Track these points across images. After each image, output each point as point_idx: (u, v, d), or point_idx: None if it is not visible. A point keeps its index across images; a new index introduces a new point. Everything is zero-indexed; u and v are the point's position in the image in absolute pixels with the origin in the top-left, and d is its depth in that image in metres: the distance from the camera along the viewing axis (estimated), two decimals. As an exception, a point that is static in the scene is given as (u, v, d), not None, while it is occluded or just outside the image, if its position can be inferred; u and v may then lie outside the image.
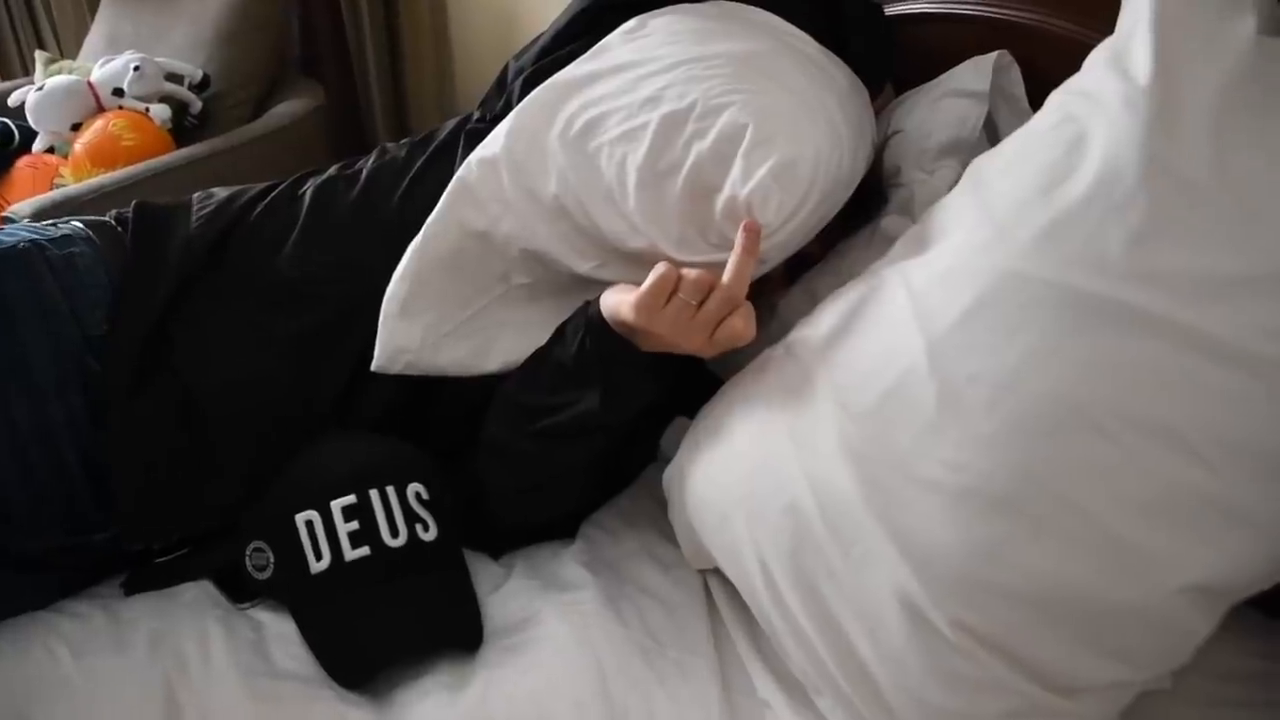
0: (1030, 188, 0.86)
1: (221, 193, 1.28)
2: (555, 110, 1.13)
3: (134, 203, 1.24)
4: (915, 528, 0.83)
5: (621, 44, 1.18)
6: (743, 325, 0.99)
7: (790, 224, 1.06)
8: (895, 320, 0.90)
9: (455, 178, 1.14)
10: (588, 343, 1.05)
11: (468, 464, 1.17)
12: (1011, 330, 0.81)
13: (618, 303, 1.03)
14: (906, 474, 0.84)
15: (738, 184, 1.02)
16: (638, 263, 1.07)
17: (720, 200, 1.03)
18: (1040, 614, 0.79)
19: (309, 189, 1.26)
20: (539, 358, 1.11)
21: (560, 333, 1.10)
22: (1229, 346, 0.76)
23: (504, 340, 1.14)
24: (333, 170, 1.30)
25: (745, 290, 1.00)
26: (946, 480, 0.82)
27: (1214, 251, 0.77)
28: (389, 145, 1.33)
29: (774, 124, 1.04)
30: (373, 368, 1.12)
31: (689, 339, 1.00)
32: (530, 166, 1.11)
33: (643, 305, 0.99)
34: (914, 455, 0.84)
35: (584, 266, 1.11)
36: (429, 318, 1.12)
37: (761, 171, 1.01)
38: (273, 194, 1.27)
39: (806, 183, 1.04)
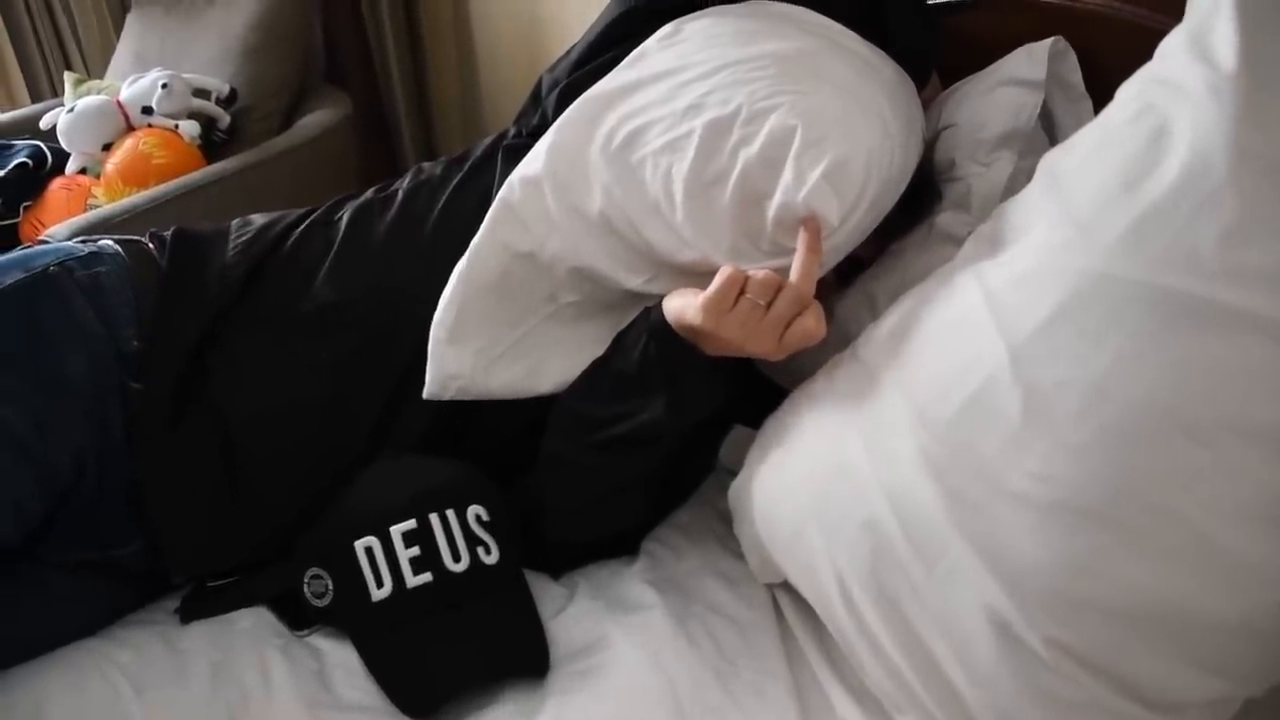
0: (1112, 184, 0.82)
1: (259, 219, 1.27)
2: (595, 124, 1.11)
3: (173, 229, 1.23)
4: (1003, 543, 0.79)
5: (659, 51, 1.16)
6: (814, 324, 0.97)
7: (847, 224, 1.03)
8: (973, 325, 0.87)
9: (498, 199, 1.12)
10: (652, 349, 1.03)
11: (521, 484, 1.15)
12: (1100, 334, 0.78)
13: (683, 306, 1.00)
14: (992, 487, 0.81)
15: (791, 189, 0.99)
16: (690, 275, 1.05)
17: (773, 206, 1.00)
18: (1139, 630, 0.76)
19: (345, 213, 1.25)
20: (598, 368, 1.09)
21: (620, 341, 1.08)
22: (1330, 344, 0.72)
23: (556, 359, 1.12)
24: (369, 193, 1.29)
25: (813, 288, 0.97)
26: (1035, 493, 0.78)
27: (1312, 244, 0.74)
28: (424, 165, 1.31)
29: (823, 124, 1.02)
30: (425, 395, 1.10)
31: (759, 341, 0.97)
32: (574, 183, 1.09)
33: (710, 307, 0.97)
34: (999, 467, 0.80)
35: (634, 282, 1.08)
36: (479, 342, 1.10)
37: (815, 174, 0.98)
38: (309, 220, 1.26)
39: (860, 182, 1.01)
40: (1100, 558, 0.76)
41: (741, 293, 0.97)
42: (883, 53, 1.18)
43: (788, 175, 0.99)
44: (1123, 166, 0.83)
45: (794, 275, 0.97)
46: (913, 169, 1.13)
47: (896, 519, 0.85)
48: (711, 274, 0.99)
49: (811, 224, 0.98)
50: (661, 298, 1.05)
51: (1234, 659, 0.77)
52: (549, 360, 1.13)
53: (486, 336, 1.11)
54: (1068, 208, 0.85)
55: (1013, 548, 0.79)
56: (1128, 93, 0.90)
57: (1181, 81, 0.83)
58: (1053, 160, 0.93)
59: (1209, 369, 0.75)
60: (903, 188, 1.12)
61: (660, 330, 1.02)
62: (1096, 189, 0.84)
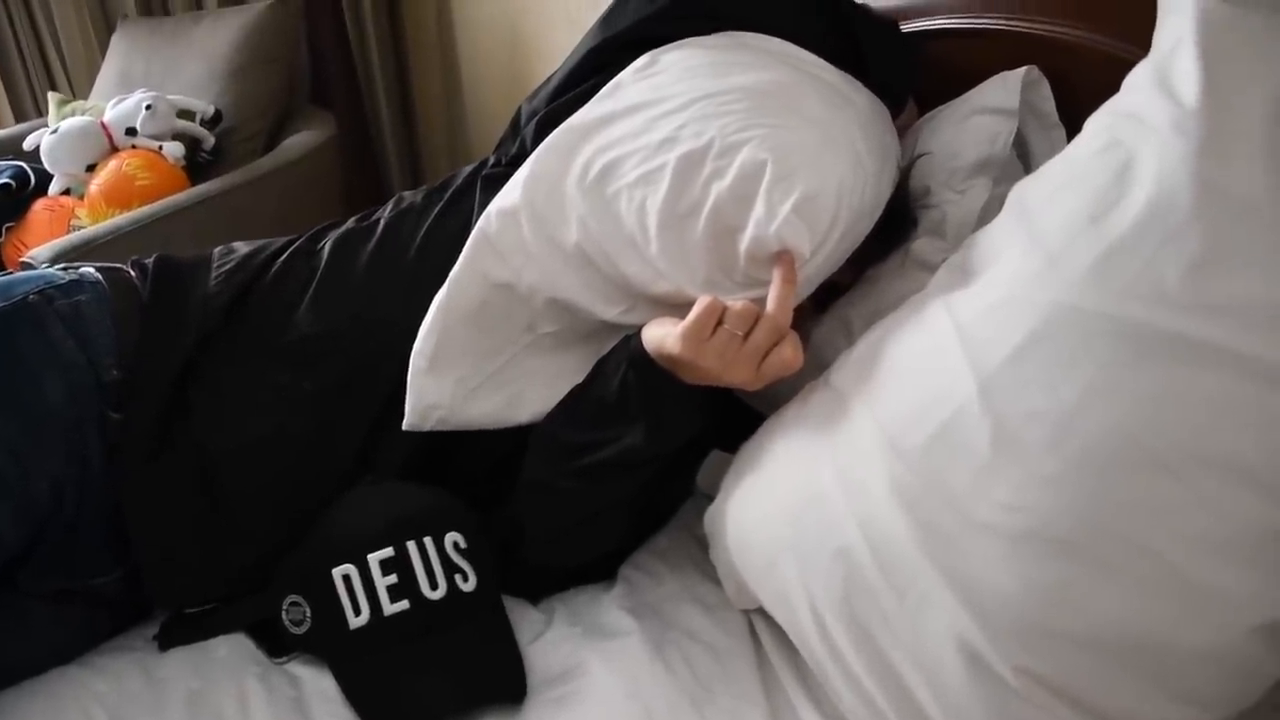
0: (1079, 216, 0.84)
1: (241, 248, 1.27)
2: (571, 155, 1.11)
3: (155, 257, 1.23)
4: (973, 572, 0.80)
5: (634, 82, 1.17)
6: (792, 353, 0.98)
7: (819, 255, 1.04)
8: (943, 355, 0.88)
9: (475, 230, 1.13)
10: (631, 376, 1.03)
11: (499, 510, 1.15)
12: (1069, 366, 0.79)
13: (662, 336, 1.01)
14: (962, 517, 0.81)
15: (763, 223, 1.00)
16: (666, 306, 1.06)
17: (745, 239, 1.01)
18: (1107, 659, 0.76)
19: (327, 243, 1.25)
20: (578, 395, 1.10)
21: (599, 369, 1.08)
22: (1295, 376, 0.73)
23: (535, 389, 1.13)
24: (351, 222, 1.29)
25: (790, 319, 0.98)
26: (1005, 523, 0.79)
27: (1275, 278, 0.75)
28: (405, 194, 1.32)
29: (794, 158, 1.03)
30: (405, 427, 1.11)
31: (737, 371, 0.98)
32: (550, 215, 1.09)
33: (689, 336, 0.97)
34: (970, 497, 0.81)
35: (611, 313, 1.09)
36: (458, 372, 1.11)
37: (785, 207, 0.99)
38: (291, 249, 1.26)
39: (831, 214, 1.03)
40: (1070, 588, 0.77)
41: (719, 323, 0.97)
42: (857, 82, 1.19)
43: (759, 209, 1.00)
44: (1090, 200, 0.84)
45: (770, 306, 0.98)
46: (887, 197, 1.14)
47: (868, 548, 0.86)
48: (687, 305, 0.99)
49: (785, 256, 0.99)
50: (639, 327, 1.06)
51: (1203, 687, 0.77)
52: (528, 390, 1.13)
53: (466, 366, 1.11)
54: (1037, 239, 0.87)
55: (983, 578, 0.79)
56: (1095, 125, 0.91)
57: (1146, 116, 0.85)
58: (1022, 191, 0.94)
59: (1177, 401, 0.76)
60: (877, 216, 1.13)
61: (639, 359, 1.03)
62: (1064, 221, 0.85)
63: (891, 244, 1.21)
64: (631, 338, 1.05)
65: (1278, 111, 0.78)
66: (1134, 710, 0.78)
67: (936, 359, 0.89)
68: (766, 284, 1.00)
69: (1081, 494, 0.77)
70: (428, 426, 1.11)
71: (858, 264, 1.20)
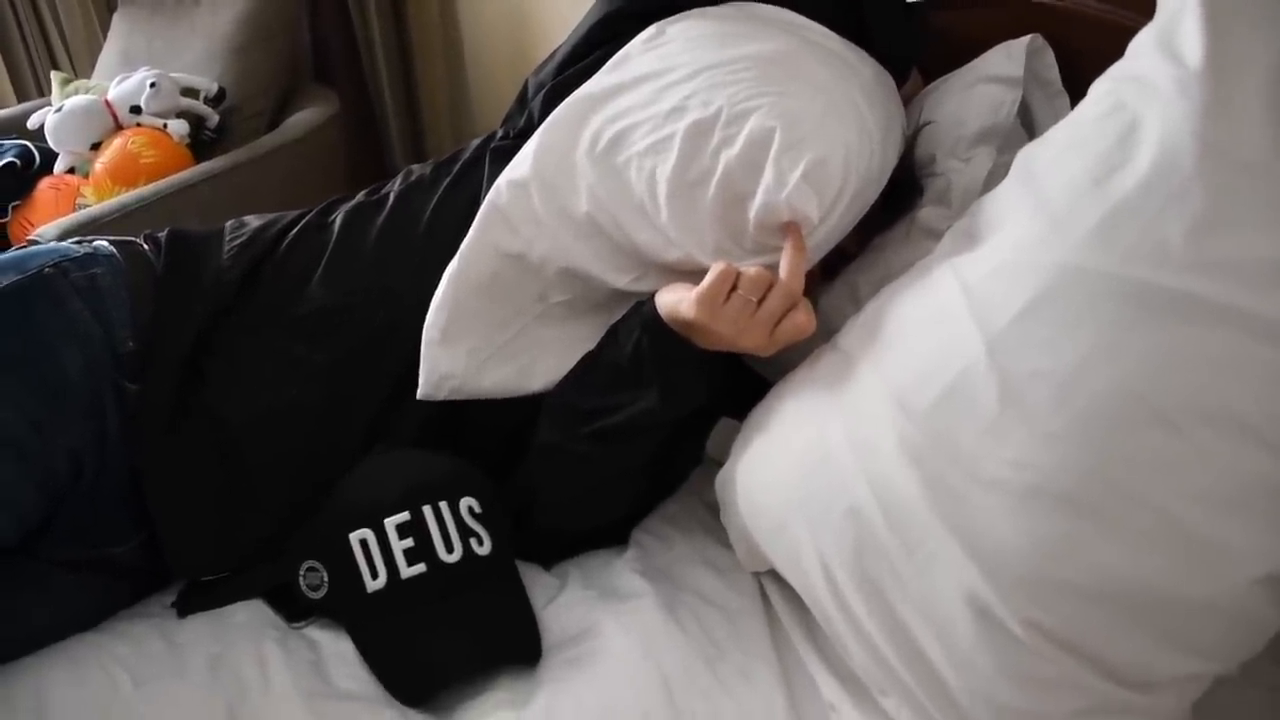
0: (1084, 179, 0.85)
1: (253, 221, 1.29)
2: (580, 126, 1.13)
3: (168, 230, 1.24)
4: (981, 528, 0.82)
5: (642, 53, 1.18)
6: (805, 319, 1.00)
7: (828, 221, 1.06)
8: (950, 317, 0.89)
9: (486, 201, 1.14)
10: (645, 342, 1.05)
11: (512, 477, 1.17)
12: (1073, 325, 0.80)
13: (676, 301, 1.03)
14: (970, 474, 0.83)
15: (772, 190, 1.01)
16: (676, 274, 1.07)
17: (754, 207, 1.02)
18: (1112, 611, 0.78)
19: (338, 216, 1.27)
20: (591, 361, 1.12)
21: (613, 335, 1.10)
22: (1295, 333, 0.74)
23: (547, 358, 1.15)
24: (361, 196, 1.30)
25: (802, 285, 1.00)
26: (1012, 479, 0.81)
27: (1276, 237, 0.76)
28: (415, 167, 1.33)
29: (802, 126, 1.04)
30: (419, 396, 1.12)
31: (751, 336, 1.00)
32: (560, 185, 1.11)
33: (704, 302, 0.99)
34: (977, 455, 0.83)
35: (622, 281, 1.11)
36: (471, 342, 1.12)
37: (795, 175, 1.01)
38: (302, 222, 1.27)
39: (839, 181, 1.04)
40: (1075, 541, 0.79)
41: (733, 289, 0.99)
42: (862, 51, 1.20)
43: (768, 176, 1.02)
44: (1094, 162, 0.85)
45: (783, 272, 0.99)
46: (893, 165, 1.16)
47: (878, 506, 0.88)
48: (698, 272, 1.01)
49: (794, 225, 1.00)
50: (651, 294, 1.08)
51: (1205, 637, 0.79)
52: (540, 359, 1.15)
53: (478, 337, 1.13)
54: (1042, 203, 0.88)
55: (990, 533, 0.81)
56: (1099, 90, 0.93)
57: (1150, 79, 0.86)
58: (1027, 155, 0.95)
59: (1179, 358, 0.77)
60: (883, 183, 1.14)
61: (653, 323, 1.05)
62: (1069, 184, 0.86)
63: (897, 212, 1.23)
64: (644, 303, 1.07)
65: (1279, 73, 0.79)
66: (1139, 661, 0.79)
67: (944, 320, 0.90)
68: (776, 250, 1.02)
69: (1086, 450, 0.79)
70: (441, 396, 1.12)
71: (864, 232, 1.21)
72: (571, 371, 1.13)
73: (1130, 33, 0.94)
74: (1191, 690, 0.83)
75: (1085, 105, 0.93)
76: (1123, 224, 0.81)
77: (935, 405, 0.86)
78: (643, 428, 1.09)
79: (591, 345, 1.12)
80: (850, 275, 1.23)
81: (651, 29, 1.20)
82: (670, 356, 1.05)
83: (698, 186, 1.05)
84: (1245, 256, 0.76)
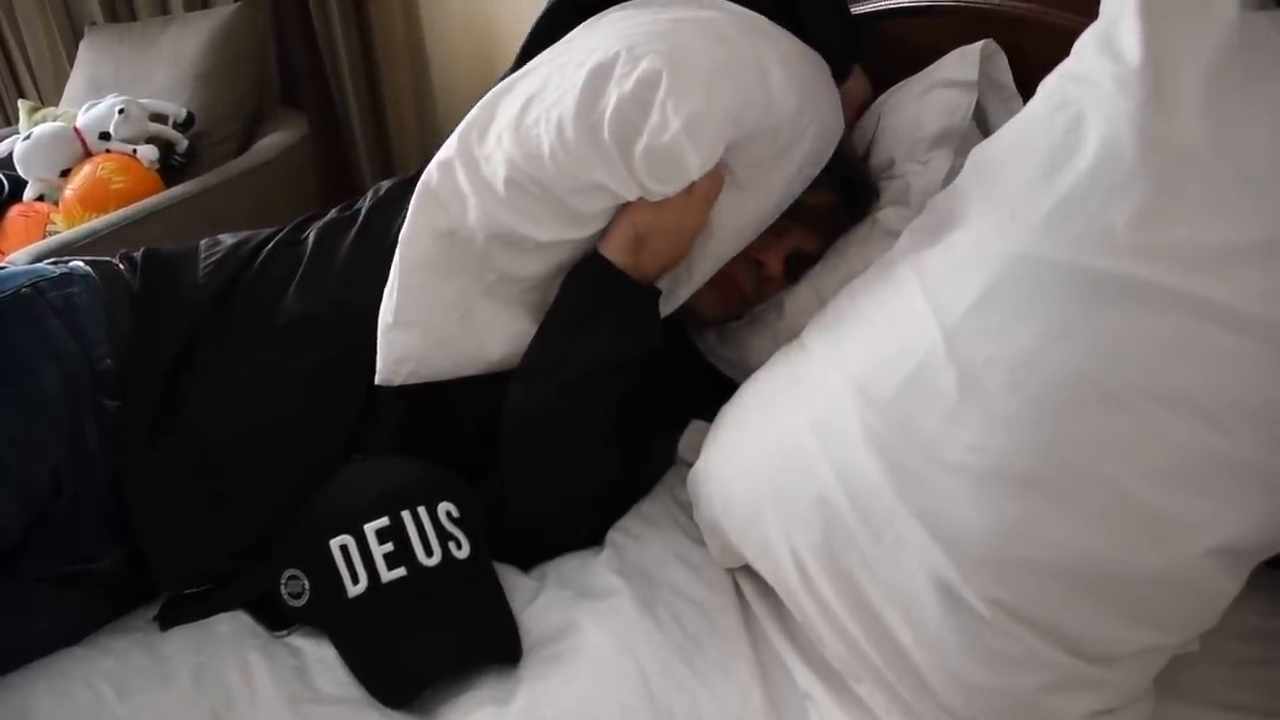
0: (1033, 172, 0.89)
1: (228, 239, 1.31)
2: (501, 101, 1.16)
3: (143, 250, 1.26)
4: (944, 511, 0.85)
5: (573, 38, 1.21)
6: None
7: (748, 188, 1.14)
8: (910, 309, 0.92)
9: (419, 185, 1.17)
10: (596, 282, 1.13)
11: (487, 476, 1.19)
12: (1024, 312, 0.84)
13: (616, 227, 1.13)
14: (932, 459, 0.86)
15: (656, 132, 1.03)
16: (594, 220, 1.13)
17: (640, 146, 1.04)
18: (1071, 586, 0.81)
19: (311, 232, 1.30)
20: (548, 318, 1.17)
21: (565, 286, 1.16)
22: (1235, 313, 0.78)
23: (499, 330, 1.18)
24: (333, 212, 1.34)
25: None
26: (972, 463, 0.84)
27: (1216, 221, 0.79)
28: (384, 184, 1.37)
29: (693, 75, 1.05)
30: (377, 382, 1.15)
31: (694, 216, 1.12)
32: (481, 157, 1.13)
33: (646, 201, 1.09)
34: (938, 440, 0.86)
35: (545, 235, 1.13)
36: (423, 324, 1.15)
37: (676, 123, 1.02)
38: (276, 238, 1.30)
39: (718, 135, 1.05)
40: (1033, 521, 0.82)
41: None
42: (793, 35, 1.21)
43: (654, 118, 1.03)
44: (1042, 156, 0.89)
45: None
46: (825, 147, 1.19)
47: (845, 494, 0.90)
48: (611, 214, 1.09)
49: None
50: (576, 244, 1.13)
51: (1162, 610, 0.82)
52: (493, 333, 1.18)
53: (430, 317, 1.15)
54: (993, 196, 0.92)
55: (952, 515, 0.84)
56: (1046, 88, 0.96)
57: (1093, 77, 0.90)
58: (980, 152, 0.99)
59: (1126, 340, 0.81)
60: (816, 164, 1.18)
61: (599, 263, 1.12)
62: (1019, 178, 0.90)
63: (856, 216, 1.26)
64: (591, 252, 1.14)
65: (1214, 68, 0.83)
66: (1100, 635, 0.82)
67: (903, 313, 0.93)
68: (675, 184, 1.07)
69: (1041, 432, 0.82)
70: (399, 380, 1.15)
71: (825, 236, 1.25)
72: (534, 337, 1.17)
73: (1076, 36, 0.98)
74: (1152, 663, 0.86)
75: (1033, 103, 0.97)
76: (1070, 214, 0.84)
77: (897, 394, 0.89)
78: (601, 371, 1.13)
79: (539, 315, 1.17)
80: (815, 277, 1.26)
81: (590, 20, 1.22)
82: (620, 293, 1.12)
83: (598, 125, 1.05)
84: (1186, 242, 0.80)
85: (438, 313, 1.16)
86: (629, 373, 1.16)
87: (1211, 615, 0.84)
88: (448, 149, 1.16)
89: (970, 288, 0.87)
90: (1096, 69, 0.90)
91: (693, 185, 1.07)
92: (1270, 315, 0.77)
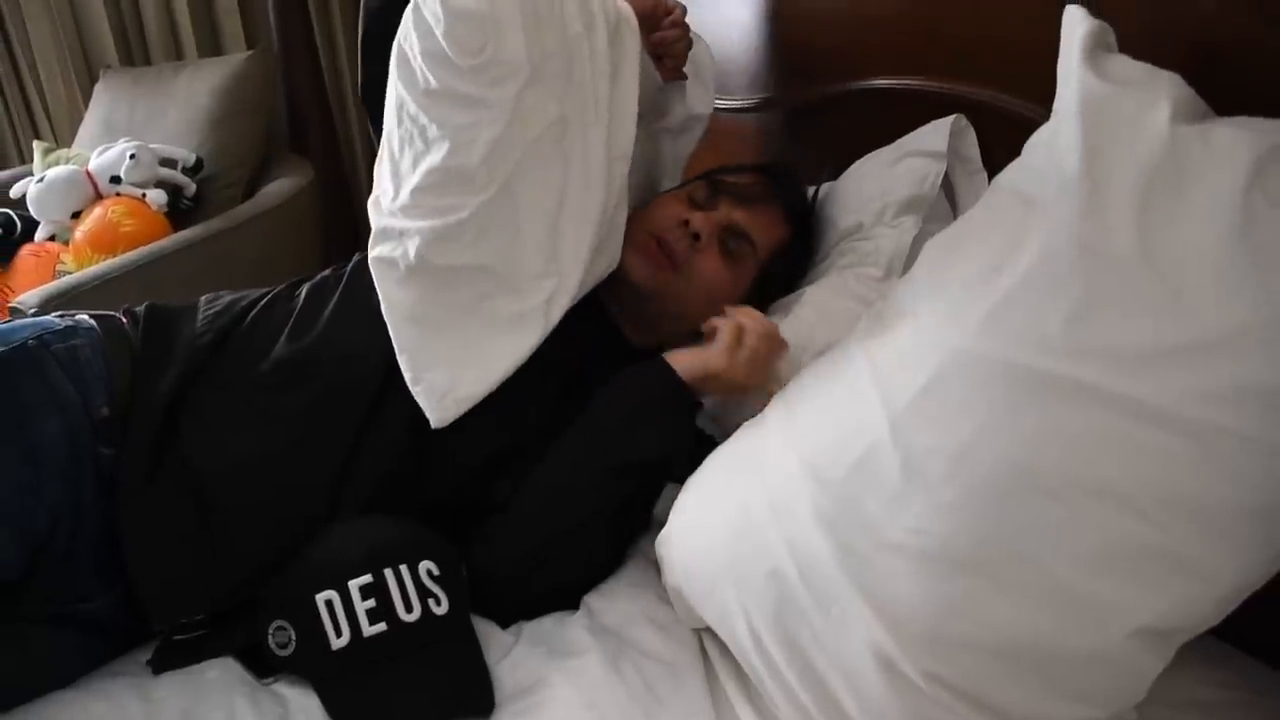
0: (978, 270, 0.95)
1: (226, 295, 1.39)
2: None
3: (146, 305, 1.33)
4: (887, 589, 0.90)
5: None
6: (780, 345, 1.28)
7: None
8: (860, 396, 0.98)
9: (371, 260, 1.28)
10: (662, 384, 1.26)
11: (475, 539, 1.24)
12: (963, 405, 0.90)
13: (693, 355, 1.27)
14: (876, 539, 0.91)
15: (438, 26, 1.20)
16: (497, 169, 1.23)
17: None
18: (1005, 663, 0.86)
19: (303, 290, 1.39)
20: (606, 403, 1.28)
21: (628, 380, 1.28)
22: (1163, 412, 0.83)
23: (494, 348, 1.26)
24: (325, 273, 1.43)
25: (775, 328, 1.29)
26: (913, 544, 0.89)
27: (1143, 325, 0.85)
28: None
29: None
30: (434, 425, 1.23)
31: (756, 374, 1.25)
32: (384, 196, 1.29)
33: (727, 351, 1.24)
34: (882, 522, 0.91)
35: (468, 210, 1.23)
36: (437, 362, 1.24)
37: (445, 18, 1.18)
38: (271, 294, 1.38)
39: (484, 40, 1.19)
40: (970, 601, 0.87)
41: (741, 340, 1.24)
42: None
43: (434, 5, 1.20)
44: (987, 255, 0.95)
45: (750, 315, 1.26)
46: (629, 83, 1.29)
47: (796, 569, 0.96)
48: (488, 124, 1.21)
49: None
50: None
51: (1092, 686, 0.87)
52: (489, 352, 1.26)
53: (439, 357, 1.24)
54: (941, 292, 0.98)
55: (895, 594, 0.89)
56: (997, 184, 1.03)
57: (1039, 179, 0.97)
58: (934, 245, 1.06)
59: (1059, 435, 0.86)
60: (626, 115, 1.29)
61: (668, 370, 1.26)
62: (965, 274, 0.96)
63: (781, 198, 1.45)
64: (657, 360, 1.28)
65: (1144, 178, 0.89)
66: (1032, 709, 0.87)
67: (854, 398, 0.99)
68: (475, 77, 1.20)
69: (978, 518, 0.87)
70: (452, 416, 1.23)
71: (754, 212, 1.43)
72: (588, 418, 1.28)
73: (1034, 125, 1.04)
74: (1082, 735, 0.91)
75: (985, 199, 1.04)
76: (1008, 313, 0.90)
77: (846, 477, 0.95)
78: (646, 464, 1.25)
79: (533, 324, 1.26)
80: (793, 340, 1.32)
81: None
82: (679, 405, 1.25)
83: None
84: (1115, 344, 0.85)
85: (443, 351, 1.24)
86: (661, 471, 1.27)
87: (1139, 690, 0.89)
88: (374, 220, 1.30)
89: (915, 379, 0.93)
90: (1042, 172, 0.96)
91: (753, 347, 1.24)
92: (1197, 415, 0.82)
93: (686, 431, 1.27)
